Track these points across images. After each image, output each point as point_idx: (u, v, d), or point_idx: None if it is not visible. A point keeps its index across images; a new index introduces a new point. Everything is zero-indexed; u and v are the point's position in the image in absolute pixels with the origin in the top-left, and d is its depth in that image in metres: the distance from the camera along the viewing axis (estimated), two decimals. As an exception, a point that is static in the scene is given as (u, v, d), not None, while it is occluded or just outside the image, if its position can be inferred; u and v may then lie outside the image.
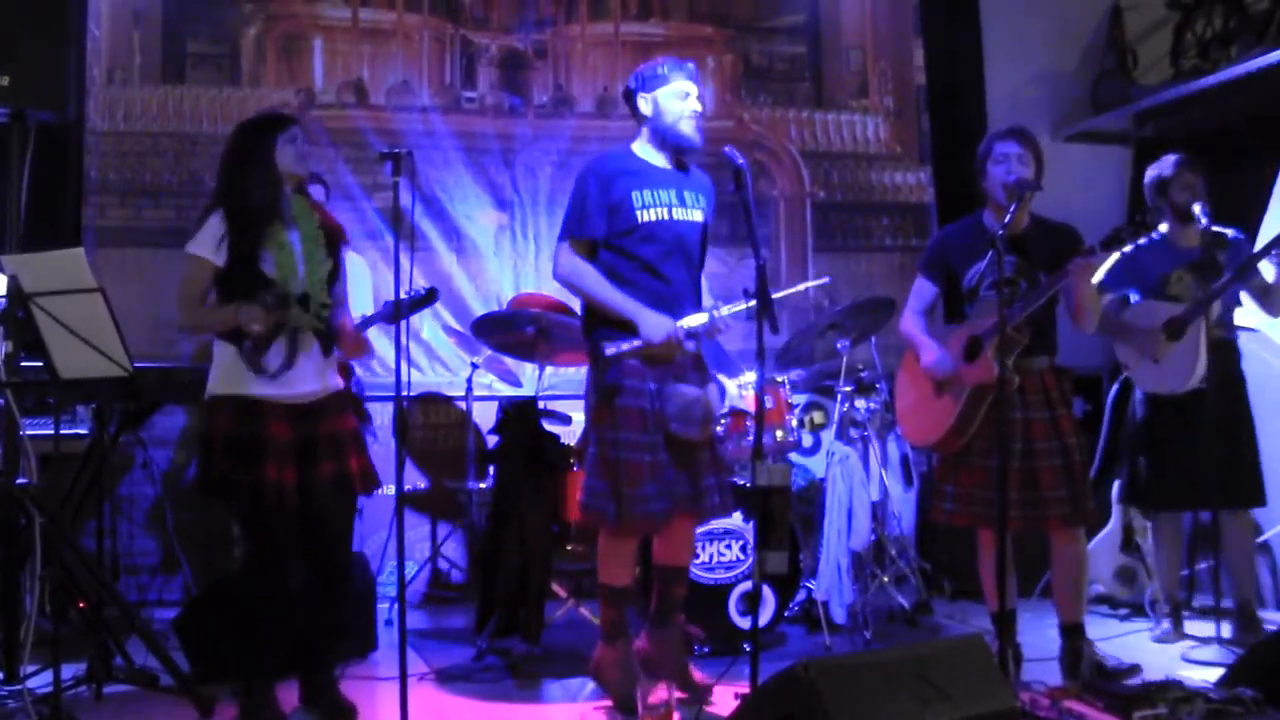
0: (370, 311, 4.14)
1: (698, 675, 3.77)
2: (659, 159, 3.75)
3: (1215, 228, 4.30)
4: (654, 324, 3.55)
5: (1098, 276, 4.05)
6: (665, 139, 3.71)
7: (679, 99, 3.70)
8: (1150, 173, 4.50)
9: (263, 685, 3.43)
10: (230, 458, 3.33)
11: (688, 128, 3.69)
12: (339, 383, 3.59)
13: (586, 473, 3.65)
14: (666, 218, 3.66)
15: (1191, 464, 4.25)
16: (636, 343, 3.56)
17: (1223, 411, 4.27)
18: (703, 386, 3.66)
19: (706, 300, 3.85)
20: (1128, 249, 3.99)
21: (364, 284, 4.72)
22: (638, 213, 3.64)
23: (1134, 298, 4.49)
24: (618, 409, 3.57)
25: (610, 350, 3.56)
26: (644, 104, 3.72)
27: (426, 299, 3.97)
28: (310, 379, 3.45)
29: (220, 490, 3.40)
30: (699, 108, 3.72)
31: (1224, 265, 4.28)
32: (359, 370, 5.07)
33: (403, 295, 3.40)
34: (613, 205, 3.64)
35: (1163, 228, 4.08)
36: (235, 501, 3.44)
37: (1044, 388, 3.85)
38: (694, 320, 3.62)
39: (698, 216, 3.75)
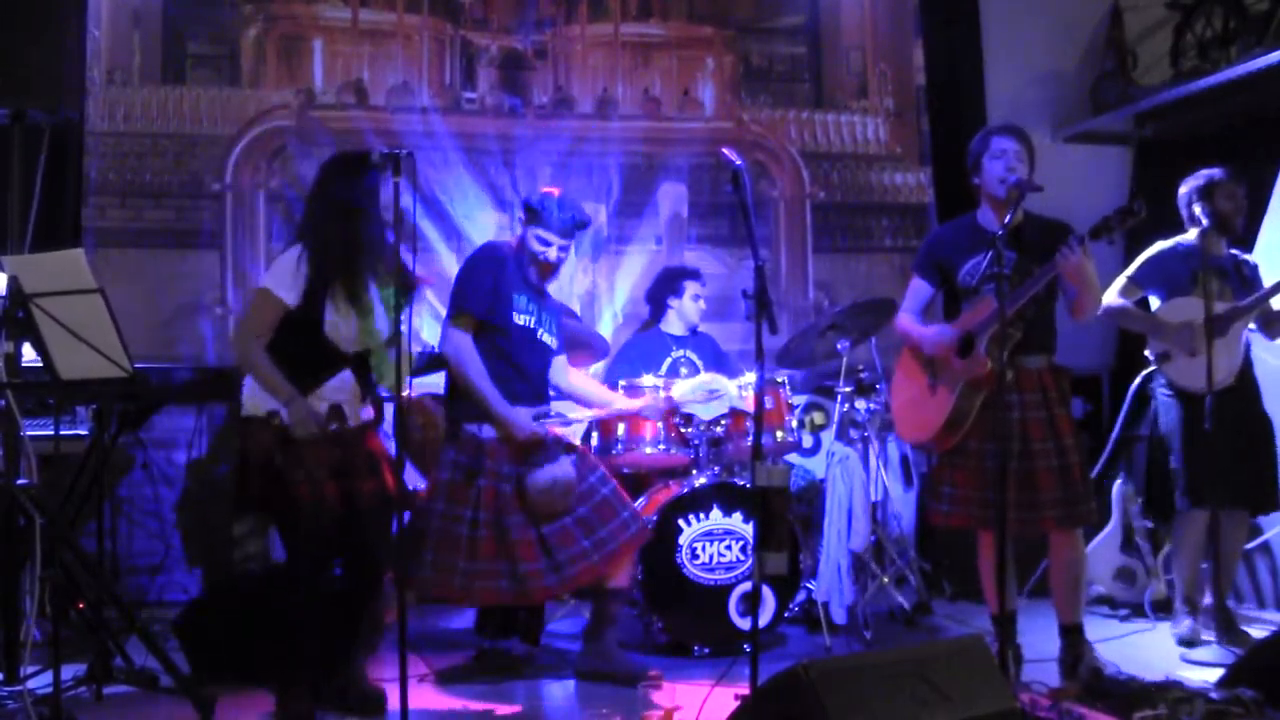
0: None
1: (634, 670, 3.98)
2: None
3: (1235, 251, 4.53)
4: (518, 423, 3.83)
5: (1118, 280, 4.06)
6: None
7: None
8: (1194, 182, 4.52)
9: (298, 686, 3.45)
10: (266, 477, 3.36)
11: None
12: (368, 415, 3.60)
13: (428, 539, 3.82)
14: (533, 326, 3.95)
15: (1226, 462, 4.30)
16: (495, 433, 3.86)
17: (1255, 411, 4.42)
18: (557, 459, 3.88)
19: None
20: (1155, 252, 4.18)
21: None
22: (514, 315, 3.91)
23: (1155, 301, 4.53)
24: (480, 488, 3.82)
25: (472, 430, 3.88)
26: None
27: (429, 366, 4.24)
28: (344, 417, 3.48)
29: (257, 507, 3.44)
30: (553, 257, 3.95)
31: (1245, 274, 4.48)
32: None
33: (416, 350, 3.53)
34: (497, 295, 3.90)
35: (1191, 234, 4.34)
36: (273, 515, 3.47)
37: (1042, 387, 3.82)
38: (552, 419, 4.00)
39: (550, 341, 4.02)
